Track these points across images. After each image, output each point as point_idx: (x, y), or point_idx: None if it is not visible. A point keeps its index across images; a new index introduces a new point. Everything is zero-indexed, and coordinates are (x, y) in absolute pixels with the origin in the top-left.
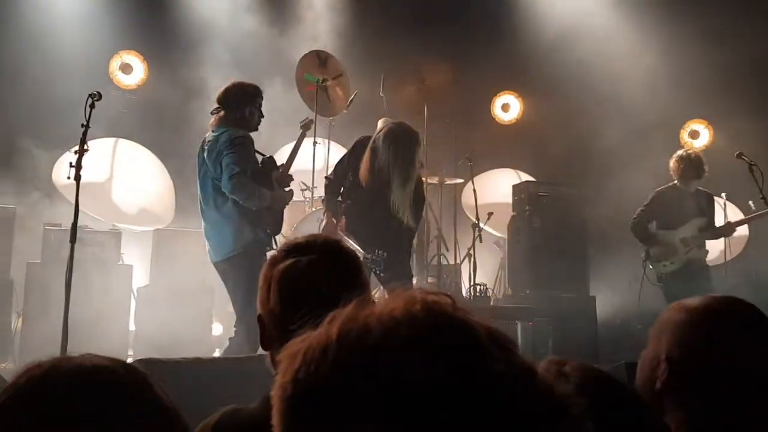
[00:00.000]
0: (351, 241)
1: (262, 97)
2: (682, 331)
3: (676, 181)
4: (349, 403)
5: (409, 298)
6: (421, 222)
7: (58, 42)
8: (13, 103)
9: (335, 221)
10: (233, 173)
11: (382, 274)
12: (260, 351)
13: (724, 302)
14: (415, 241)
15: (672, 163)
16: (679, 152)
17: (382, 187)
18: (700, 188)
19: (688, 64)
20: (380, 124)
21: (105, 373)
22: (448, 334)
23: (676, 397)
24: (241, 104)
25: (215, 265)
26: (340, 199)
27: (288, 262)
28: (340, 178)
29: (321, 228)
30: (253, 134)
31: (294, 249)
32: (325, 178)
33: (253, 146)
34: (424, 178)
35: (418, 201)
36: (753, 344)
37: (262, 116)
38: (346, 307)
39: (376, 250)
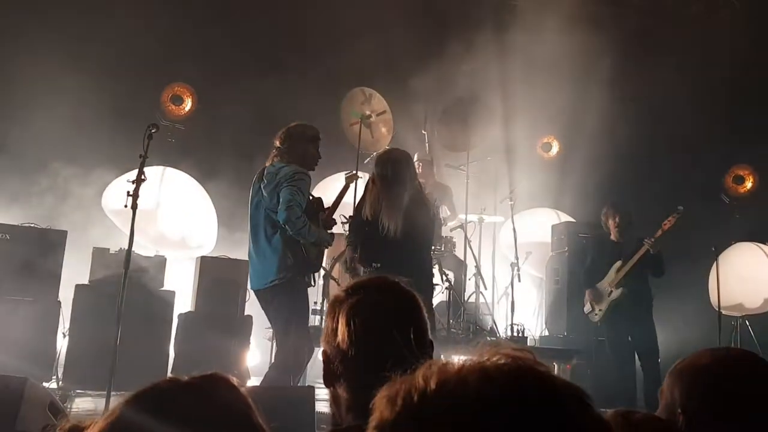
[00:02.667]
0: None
1: (320, 139)
2: (692, 382)
3: (609, 234)
4: None
5: (497, 353)
6: (459, 261)
7: (113, 67)
8: (66, 128)
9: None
10: (290, 204)
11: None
12: (313, 382)
13: (731, 355)
14: (451, 276)
15: (602, 214)
16: (608, 204)
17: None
18: (638, 236)
19: (731, 108)
20: (415, 157)
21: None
22: (536, 390)
23: None
24: (302, 144)
25: (256, 292)
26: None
27: (355, 299)
28: (359, 220)
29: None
30: None
31: (359, 287)
32: (348, 217)
33: (310, 185)
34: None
35: (420, 219)
36: (761, 395)
37: (320, 157)
38: (437, 359)
39: (372, 263)
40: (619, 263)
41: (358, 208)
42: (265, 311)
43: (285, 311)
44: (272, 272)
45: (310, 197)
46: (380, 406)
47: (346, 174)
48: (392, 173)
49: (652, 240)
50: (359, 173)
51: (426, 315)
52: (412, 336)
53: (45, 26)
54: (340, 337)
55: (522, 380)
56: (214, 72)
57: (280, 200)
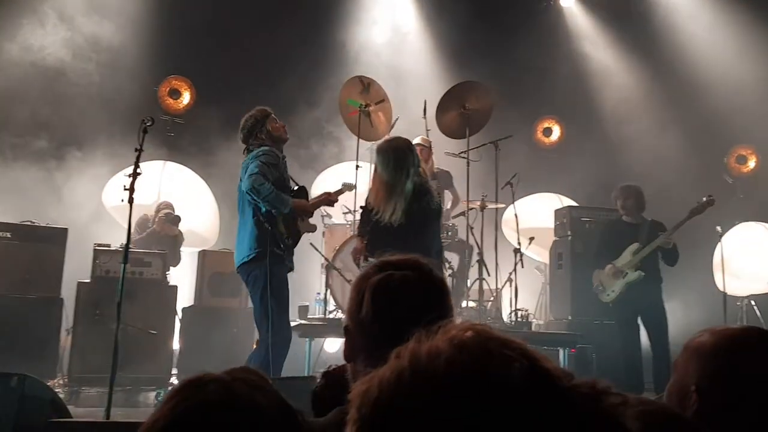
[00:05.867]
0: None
1: (270, 114)
2: (709, 361)
3: (622, 214)
4: (429, 418)
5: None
6: (464, 248)
7: (109, 66)
8: (65, 125)
9: (360, 252)
10: (252, 173)
11: None
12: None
13: (749, 332)
14: (454, 264)
15: (613, 195)
16: (620, 185)
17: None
18: (652, 219)
19: (733, 88)
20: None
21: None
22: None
23: (707, 428)
24: (258, 128)
25: (237, 270)
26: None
27: (382, 275)
28: (367, 206)
29: (351, 252)
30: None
31: (387, 265)
32: (361, 207)
33: (280, 160)
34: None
35: (423, 209)
36: None
37: (283, 126)
38: (408, 343)
39: (375, 252)
40: (635, 245)
41: (367, 198)
42: (248, 290)
43: (259, 287)
44: (245, 249)
45: (294, 185)
46: (357, 400)
47: (344, 183)
48: (394, 162)
49: (669, 237)
50: (359, 163)
51: (452, 300)
52: (436, 317)
53: (43, 22)
54: (363, 312)
55: (483, 349)
56: (213, 64)
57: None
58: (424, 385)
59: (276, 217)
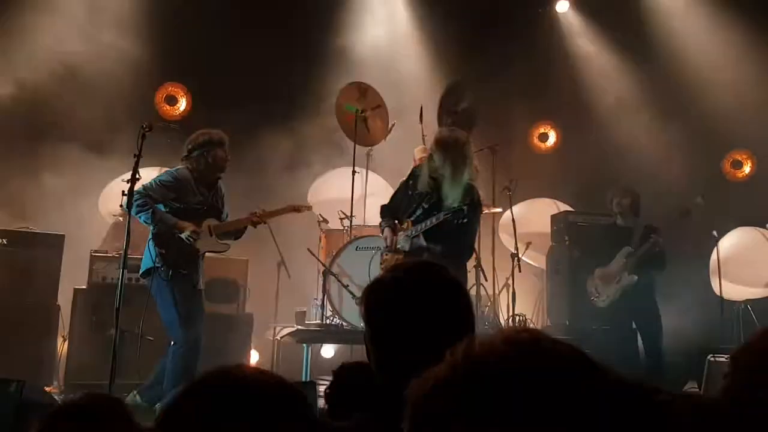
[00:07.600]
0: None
1: (216, 145)
2: None
3: (616, 216)
4: (483, 404)
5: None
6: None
7: (107, 71)
8: (64, 130)
9: (393, 235)
10: (136, 190)
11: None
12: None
13: None
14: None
15: (609, 195)
16: (617, 185)
17: (438, 186)
18: (646, 223)
19: (730, 93)
20: (417, 153)
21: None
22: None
23: None
24: (192, 151)
25: None
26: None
27: (375, 280)
28: (397, 202)
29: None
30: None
31: (389, 271)
32: (381, 206)
33: (182, 183)
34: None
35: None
36: None
37: (225, 159)
38: (460, 343)
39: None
40: (628, 249)
41: (403, 194)
42: None
43: (153, 302)
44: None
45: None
46: (412, 398)
47: (303, 205)
48: (453, 153)
49: (657, 239)
50: (357, 169)
51: (469, 299)
52: (448, 318)
53: (42, 27)
54: (373, 315)
55: (537, 346)
56: (210, 70)
57: None
58: (479, 374)
59: (162, 237)
